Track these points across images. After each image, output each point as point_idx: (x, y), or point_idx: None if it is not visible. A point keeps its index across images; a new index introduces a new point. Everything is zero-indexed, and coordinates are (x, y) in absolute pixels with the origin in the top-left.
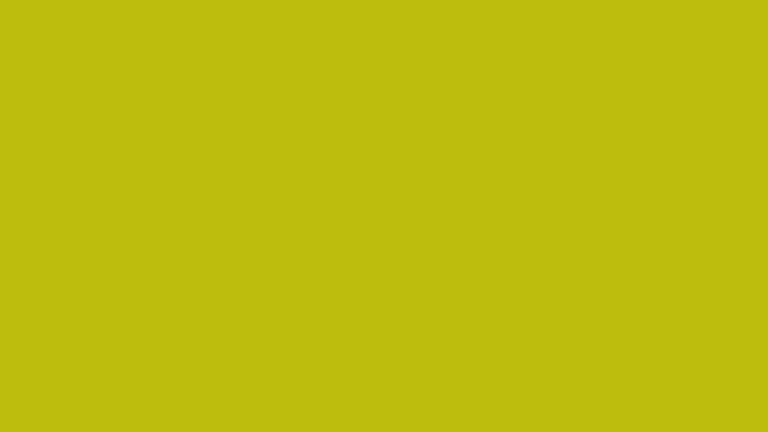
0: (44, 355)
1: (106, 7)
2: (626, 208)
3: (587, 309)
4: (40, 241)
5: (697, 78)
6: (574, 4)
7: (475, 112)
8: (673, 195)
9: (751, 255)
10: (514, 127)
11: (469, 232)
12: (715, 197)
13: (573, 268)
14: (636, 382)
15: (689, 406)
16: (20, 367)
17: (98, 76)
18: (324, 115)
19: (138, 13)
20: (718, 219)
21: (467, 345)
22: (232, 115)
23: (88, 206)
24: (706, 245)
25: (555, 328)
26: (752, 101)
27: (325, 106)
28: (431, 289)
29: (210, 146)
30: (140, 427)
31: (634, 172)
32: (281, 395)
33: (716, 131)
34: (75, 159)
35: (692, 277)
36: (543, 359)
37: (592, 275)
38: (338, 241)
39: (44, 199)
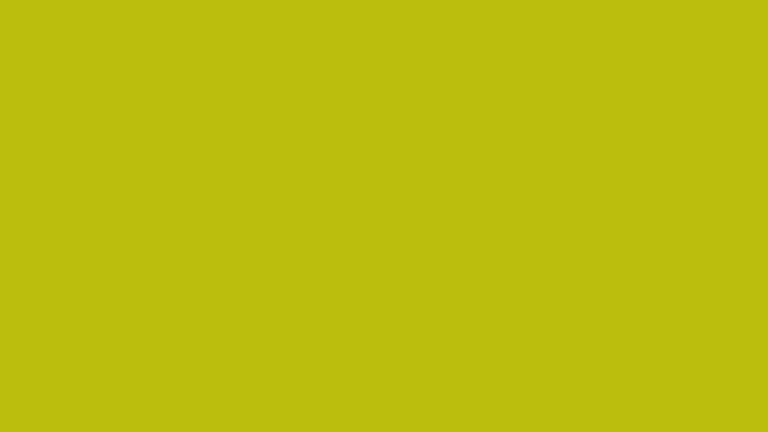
0: (44, 355)
1: (106, 7)
2: (626, 208)
3: (587, 309)
4: (40, 241)
5: (697, 78)
6: (574, 4)
7: (475, 112)
8: (673, 195)
9: (751, 255)
10: (514, 127)
11: (469, 232)
12: (715, 197)
13: (573, 268)
14: (636, 382)
15: (689, 406)
16: (20, 367)
17: (98, 76)
18: (324, 115)
19: (138, 13)
20: (718, 219)
21: (467, 345)
22: (232, 115)
23: (88, 206)
24: (706, 245)
25: (555, 328)
26: (752, 101)
27: (325, 106)
28: (431, 289)
29: (210, 146)
30: (140, 427)
31: (634, 172)
32: (281, 395)
33: (716, 131)
34: (75, 159)
35: (692, 277)
36: (543, 359)
37: (592, 275)
38: (338, 241)
39: (44, 199)
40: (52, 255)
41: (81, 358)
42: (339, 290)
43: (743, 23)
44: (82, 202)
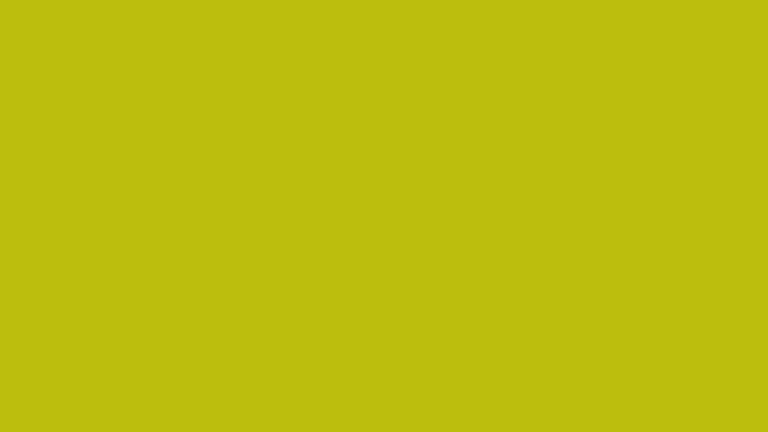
0: (44, 355)
1: (106, 7)
2: (626, 208)
3: (587, 309)
4: (40, 241)
5: (697, 78)
6: (574, 4)
7: (475, 112)
8: (673, 195)
9: (751, 255)
10: (514, 127)
11: (469, 232)
12: (715, 197)
13: (573, 268)
14: (636, 382)
15: (689, 406)
16: (20, 367)
17: (98, 76)
18: (324, 115)
19: (138, 13)
20: (718, 219)
21: (467, 345)
22: (232, 115)
23: (88, 206)
24: (706, 245)
25: (555, 328)
26: (752, 101)
27: (325, 106)
28: (431, 289)
29: (210, 146)
30: (140, 427)
31: (634, 172)
32: (281, 395)
33: (716, 131)
34: (75, 159)
35: (692, 277)
36: (543, 359)
37: (592, 275)
38: (338, 241)
39: (44, 199)
40: (52, 255)
41: (81, 358)
42: (339, 290)
43: (743, 23)
44: (82, 202)
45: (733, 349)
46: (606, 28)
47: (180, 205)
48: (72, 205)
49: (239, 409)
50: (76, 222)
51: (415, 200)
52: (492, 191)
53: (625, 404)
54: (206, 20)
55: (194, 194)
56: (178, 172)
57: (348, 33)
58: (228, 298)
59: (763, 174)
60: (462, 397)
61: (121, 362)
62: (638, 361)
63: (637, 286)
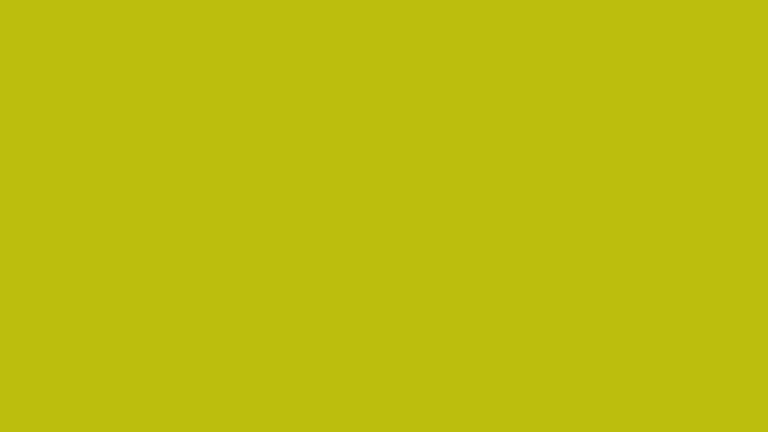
0: (44, 355)
1: (106, 7)
2: (626, 208)
3: (587, 309)
4: (40, 241)
5: (697, 78)
6: (574, 4)
7: (475, 112)
8: (673, 195)
9: (751, 255)
10: (514, 127)
11: (469, 232)
12: (715, 197)
13: (573, 268)
14: (636, 382)
15: (689, 406)
16: (20, 367)
17: (98, 76)
18: (324, 115)
19: (138, 13)
20: (718, 219)
21: (467, 345)
22: (232, 115)
23: (88, 206)
24: (706, 245)
25: (555, 328)
26: (752, 101)
27: (325, 106)
28: (431, 289)
29: (210, 146)
30: (140, 427)
31: (634, 172)
32: (281, 395)
33: (716, 131)
34: (75, 159)
35: (692, 277)
36: (543, 359)
37: (592, 275)
38: (338, 241)
39: (44, 199)
40: (52, 255)
41: (81, 358)
42: (339, 290)
43: (743, 23)
44: (82, 202)
45: (733, 349)
46: (606, 28)
47: (180, 205)
48: (72, 205)
49: (239, 409)
50: (76, 222)
51: (415, 200)
52: (492, 191)
53: (625, 404)
54: (206, 20)
55: (194, 194)
56: (178, 172)
57: (348, 33)
58: (228, 298)
59: (763, 174)
60: (462, 397)
61: (122, 362)
62: (638, 361)
63: (637, 287)
